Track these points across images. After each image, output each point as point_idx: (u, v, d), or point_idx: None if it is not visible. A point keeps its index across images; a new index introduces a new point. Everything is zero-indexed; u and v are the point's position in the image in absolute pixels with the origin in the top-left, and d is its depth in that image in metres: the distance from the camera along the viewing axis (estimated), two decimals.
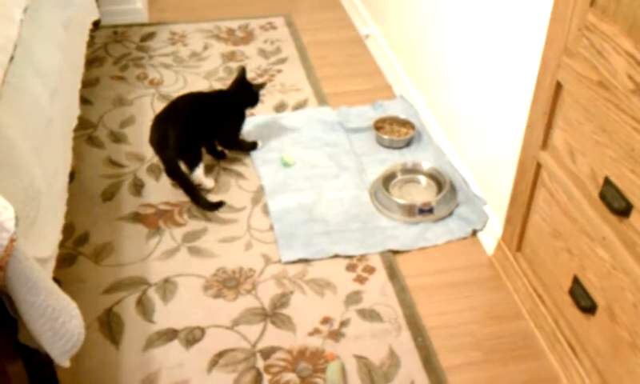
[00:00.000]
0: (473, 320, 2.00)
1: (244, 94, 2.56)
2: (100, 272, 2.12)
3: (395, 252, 2.21)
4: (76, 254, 2.18)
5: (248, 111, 2.64)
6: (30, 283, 1.34)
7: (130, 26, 3.57)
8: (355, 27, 3.64)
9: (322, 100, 2.99)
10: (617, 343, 1.58)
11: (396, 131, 2.74)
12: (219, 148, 2.60)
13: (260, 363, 1.84)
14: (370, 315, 1.99)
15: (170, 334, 1.92)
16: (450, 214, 2.36)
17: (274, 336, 1.92)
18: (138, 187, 2.45)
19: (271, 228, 2.29)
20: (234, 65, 3.23)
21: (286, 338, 1.92)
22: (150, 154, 2.49)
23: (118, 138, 2.70)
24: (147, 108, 2.88)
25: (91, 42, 3.18)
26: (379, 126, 2.75)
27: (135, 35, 3.48)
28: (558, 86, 1.71)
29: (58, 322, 1.40)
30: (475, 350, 1.91)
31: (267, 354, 1.87)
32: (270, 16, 3.73)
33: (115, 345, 1.89)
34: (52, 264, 1.61)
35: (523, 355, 1.90)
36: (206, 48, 3.39)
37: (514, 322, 2.00)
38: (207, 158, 2.55)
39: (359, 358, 1.86)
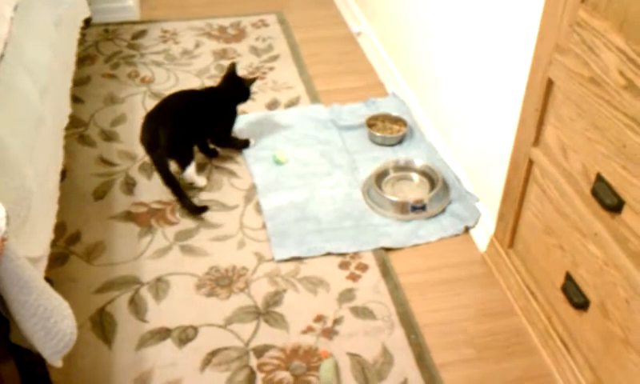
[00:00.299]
0: (466, 317, 2.00)
1: (235, 89, 2.55)
2: (92, 271, 2.11)
3: (388, 249, 2.21)
4: (68, 253, 2.17)
5: (240, 108, 2.63)
6: (22, 283, 1.33)
7: (122, 23, 3.55)
8: (347, 24, 3.63)
9: (314, 97, 2.98)
10: (609, 339, 1.59)
11: (388, 128, 2.74)
12: (211, 146, 2.59)
13: (253, 362, 1.84)
14: (363, 313, 1.99)
15: (162, 333, 1.92)
16: (443, 211, 2.36)
17: (267, 334, 1.92)
18: (129, 186, 2.45)
19: (264, 226, 2.29)
20: (226, 62, 3.21)
21: (279, 336, 1.92)
22: (141, 153, 2.48)
23: (109, 137, 2.69)
24: (139, 106, 2.87)
25: (82, 40, 3.16)
26: (372, 123, 2.75)
27: (126, 33, 3.47)
28: (550, 83, 1.71)
29: (50, 321, 1.39)
30: (468, 347, 1.91)
31: (260, 352, 1.87)
32: (261, 13, 3.72)
33: (108, 344, 1.89)
34: (44, 263, 1.61)
35: (516, 352, 1.90)
36: (197, 46, 3.38)
37: (507, 318, 2.00)
38: (199, 156, 2.54)
39: (352, 355, 1.86)
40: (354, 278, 2.11)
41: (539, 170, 1.84)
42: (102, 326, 1.94)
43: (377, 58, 3.22)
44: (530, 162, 1.87)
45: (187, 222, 2.30)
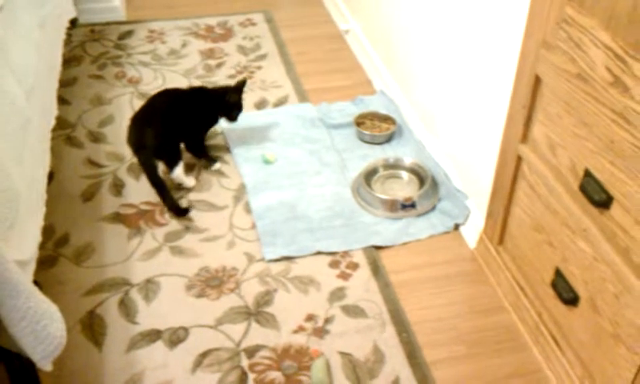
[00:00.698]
0: (456, 314, 2.01)
1: (226, 101, 2.51)
2: (81, 273, 2.09)
3: (378, 247, 2.21)
4: (56, 255, 2.15)
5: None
6: (10, 286, 1.32)
7: (108, 24, 3.53)
8: (335, 23, 3.63)
9: (302, 96, 2.98)
10: (599, 334, 1.60)
11: (377, 127, 2.74)
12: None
13: (245, 362, 1.84)
14: (354, 311, 1.99)
15: (153, 335, 1.91)
16: (433, 208, 2.36)
17: (258, 334, 1.91)
18: (118, 187, 2.43)
19: (254, 226, 2.28)
20: (213, 62, 3.21)
21: (270, 336, 1.91)
22: (129, 154, 2.47)
23: (97, 138, 2.68)
24: (126, 107, 2.86)
25: (68, 41, 3.15)
26: (360, 121, 2.75)
27: (113, 33, 3.45)
28: (537, 80, 1.72)
29: (39, 325, 1.38)
30: (459, 344, 1.91)
31: (252, 352, 1.86)
32: (249, 12, 3.71)
33: (98, 347, 1.87)
34: (32, 266, 1.60)
35: (507, 348, 1.91)
36: (184, 45, 3.36)
37: (497, 315, 2.01)
38: (187, 156, 2.53)
39: (344, 354, 1.86)
40: (344, 276, 2.11)
41: (527, 167, 1.85)
42: (91, 328, 1.93)
43: (365, 55, 3.22)
44: (519, 159, 1.88)
45: (176, 223, 2.29)
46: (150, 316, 1.96)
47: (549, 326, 1.83)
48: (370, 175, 2.47)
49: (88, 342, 1.89)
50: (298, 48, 3.36)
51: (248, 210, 2.35)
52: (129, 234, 2.24)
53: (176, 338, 1.90)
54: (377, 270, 2.12)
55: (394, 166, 2.54)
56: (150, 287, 2.05)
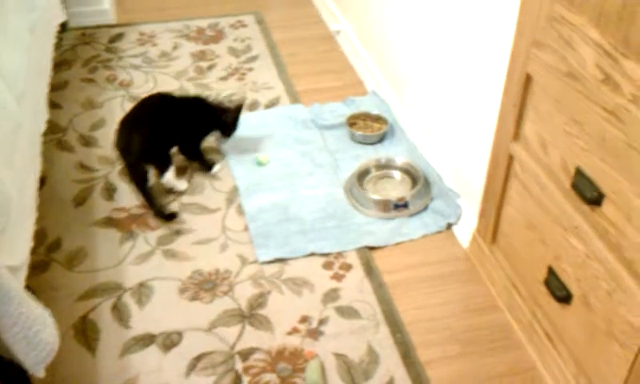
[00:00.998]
0: (450, 313, 2.01)
1: (226, 123, 2.50)
2: (73, 278, 2.09)
3: (371, 248, 2.21)
4: (48, 260, 2.14)
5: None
6: (2, 293, 1.32)
7: (98, 27, 3.52)
8: (325, 24, 3.63)
9: (294, 97, 2.98)
10: (593, 332, 1.60)
11: (369, 127, 2.74)
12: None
13: (239, 365, 1.83)
14: (348, 312, 1.99)
15: (146, 339, 1.90)
16: (425, 208, 2.37)
17: (252, 337, 1.91)
18: (110, 191, 2.42)
19: (246, 228, 2.28)
20: (205, 64, 3.21)
21: (264, 338, 1.91)
22: None
23: (88, 142, 2.67)
24: (117, 110, 2.85)
25: (59, 45, 3.14)
26: (352, 122, 2.75)
27: (104, 37, 3.44)
28: (528, 78, 1.72)
29: (31, 331, 1.38)
30: (453, 344, 1.91)
31: (246, 355, 1.86)
32: (239, 14, 3.70)
33: (91, 352, 1.87)
34: (24, 272, 1.59)
35: (501, 347, 1.91)
36: (175, 48, 3.36)
37: (491, 314, 2.01)
38: (179, 159, 2.52)
39: (338, 355, 1.86)
40: (338, 277, 2.10)
41: (519, 165, 1.85)
42: (84, 333, 1.92)
43: (356, 56, 3.22)
44: (510, 158, 1.88)
45: (169, 227, 2.28)
46: (143, 320, 1.96)
47: (542, 324, 1.83)
48: (362, 176, 2.47)
49: (81, 347, 1.88)
50: (289, 49, 3.36)
51: (241, 212, 2.35)
52: (121, 238, 2.24)
53: (170, 341, 1.89)
54: (370, 270, 2.12)
55: (386, 166, 2.54)
56: (143, 291, 2.05)
